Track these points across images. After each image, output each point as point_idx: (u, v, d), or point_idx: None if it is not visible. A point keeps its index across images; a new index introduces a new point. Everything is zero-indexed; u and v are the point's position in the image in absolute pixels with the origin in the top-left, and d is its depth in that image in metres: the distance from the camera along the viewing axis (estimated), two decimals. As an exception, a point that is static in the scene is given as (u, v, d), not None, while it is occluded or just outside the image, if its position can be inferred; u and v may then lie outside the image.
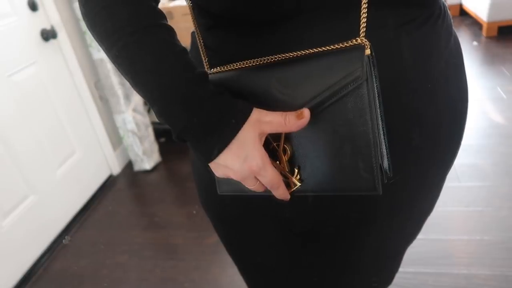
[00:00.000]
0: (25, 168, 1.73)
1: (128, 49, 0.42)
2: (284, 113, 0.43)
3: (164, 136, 2.63)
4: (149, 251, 1.75)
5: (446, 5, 0.53)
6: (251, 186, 0.46)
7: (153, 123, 2.45)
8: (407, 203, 0.55)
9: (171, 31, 0.45)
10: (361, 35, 0.42)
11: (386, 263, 0.66)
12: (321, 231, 0.57)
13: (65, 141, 1.99)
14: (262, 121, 0.43)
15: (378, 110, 0.43)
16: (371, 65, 0.41)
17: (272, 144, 0.47)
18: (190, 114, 0.42)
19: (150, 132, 2.34)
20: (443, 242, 1.52)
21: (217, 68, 0.51)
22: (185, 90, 0.42)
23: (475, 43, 3.29)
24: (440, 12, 0.50)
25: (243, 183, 0.46)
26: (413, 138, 0.48)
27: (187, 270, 1.61)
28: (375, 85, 0.42)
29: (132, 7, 0.42)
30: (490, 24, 3.31)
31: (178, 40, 0.45)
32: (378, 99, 0.42)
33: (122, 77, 2.11)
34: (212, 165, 0.46)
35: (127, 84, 2.16)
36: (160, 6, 0.46)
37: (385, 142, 0.44)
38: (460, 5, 4.01)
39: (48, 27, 1.87)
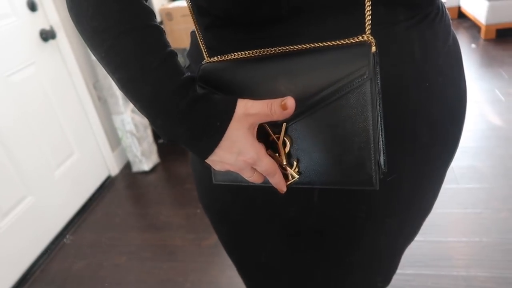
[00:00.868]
0: (23, 169, 1.72)
1: (113, 51, 0.42)
2: (270, 103, 0.43)
3: (162, 137, 2.63)
4: (147, 253, 1.74)
5: (445, 5, 0.53)
6: (249, 177, 0.47)
7: (152, 124, 2.44)
8: (410, 201, 0.55)
9: (159, 32, 0.44)
10: (367, 32, 0.43)
11: (388, 262, 0.66)
12: (326, 230, 0.57)
13: (64, 141, 1.99)
14: (248, 114, 0.44)
15: (379, 107, 0.43)
16: (375, 62, 0.42)
17: (272, 136, 0.47)
18: (175, 125, 0.43)
19: (149, 133, 2.34)
20: (442, 243, 1.52)
21: (217, 57, 0.50)
22: (168, 103, 0.42)
23: (473, 45, 3.31)
24: (438, 11, 0.50)
25: (241, 174, 0.47)
26: (420, 135, 0.48)
27: (186, 271, 1.60)
28: (377, 82, 0.42)
29: (121, 5, 0.41)
30: (488, 26, 3.32)
31: (166, 42, 0.44)
32: (379, 96, 0.43)
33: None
34: (209, 162, 0.47)
35: (126, 85, 2.16)
36: (159, 7, 0.46)
37: (382, 139, 0.45)
38: (459, 8, 4.02)
39: (47, 28, 1.87)
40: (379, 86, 0.43)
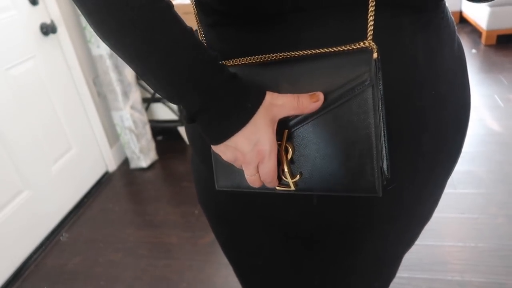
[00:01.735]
0: (20, 163, 1.71)
1: (137, 24, 0.38)
2: (296, 95, 0.43)
3: (161, 134, 2.63)
4: (143, 250, 1.74)
5: (449, 11, 0.53)
6: (251, 175, 0.46)
7: (151, 121, 2.44)
8: (411, 208, 0.55)
9: (175, 10, 0.42)
10: (369, 38, 0.42)
11: (387, 267, 0.66)
12: (325, 235, 0.57)
13: (62, 136, 1.98)
14: (275, 104, 0.43)
15: (381, 113, 0.43)
16: (377, 68, 0.42)
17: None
18: (206, 98, 0.41)
19: (148, 130, 2.34)
20: (437, 248, 1.52)
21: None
22: (201, 73, 0.41)
23: (474, 50, 3.31)
24: (443, 16, 0.50)
25: (245, 168, 0.46)
26: (422, 143, 0.48)
27: (181, 269, 1.60)
28: (379, 88, 0.42)
29: None
30: (489, 32, 3.33)
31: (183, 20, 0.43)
32: (381, 101, 0.43)
33: (121, 73, 2.11)
34: (221, 147, 0.45)
35: (126, 81, 2.15)
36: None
37: (385, 144, 0.45)
38: (460, 13, 4.03)
39: (48, 22, 1.86)
40: (381, 92, 0.43)
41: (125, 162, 2.40)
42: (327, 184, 0.46)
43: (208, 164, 0.54)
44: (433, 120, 0.48)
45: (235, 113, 0.42)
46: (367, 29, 0.42)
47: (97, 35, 0.41)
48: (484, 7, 3.30)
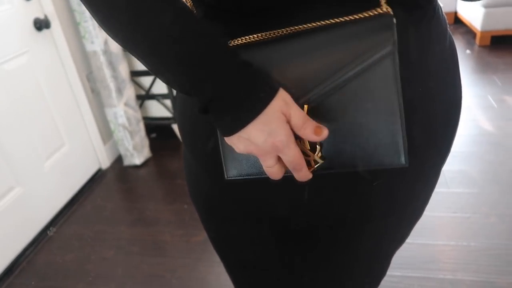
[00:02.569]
0: (12, 159, 1.70)
1: (146, 12, 0.38)
2: (306, 118, 0.42)
3: (155, 131, 2.62)
4: (136, 247, 1.73)
5: (441, 8, 0.53)
6: (270, 166, 0.43)
7: (145, 118, 2.43)
8: (403, 203, 0.55)
9: None
10: (383, 5, 0.41)
11: (378, 265, 0.66)
12: (316, 230, 0.57)
13: (55, 132, 1.97)
14: (287, 102, 0.42)
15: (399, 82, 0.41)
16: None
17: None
18: (219, 86, 0.40)
19: (141, 127, 2.33)
20: (430, 247, 1.53)
21: None
22: (214, 60, 0.39)
23: (468, 51, 3.33)
24: (434, 13, 0.50)
25: (262, 161, 0.44)
26: (414, 137, 0.48)
27: (174, 267, 1.60)
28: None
29: None
30: (483, 33, 3.35)
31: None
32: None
33: (115, 70, 2.10)
34: (234, 139, 0.43)
35: (120, 77, 2.14)
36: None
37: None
38: (455, 13, 4.05)
39: (41, 17, 1.85)
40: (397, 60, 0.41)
41: (119, 159, 2.39)
42: (350, 160, 0.44)
43: (199, 160, 0.54)
44: (421, 112, 0.48)
45: (248, 103, 0.40)
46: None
47: (104, 30, 0.41)
48: (478, 8, 3.31)
